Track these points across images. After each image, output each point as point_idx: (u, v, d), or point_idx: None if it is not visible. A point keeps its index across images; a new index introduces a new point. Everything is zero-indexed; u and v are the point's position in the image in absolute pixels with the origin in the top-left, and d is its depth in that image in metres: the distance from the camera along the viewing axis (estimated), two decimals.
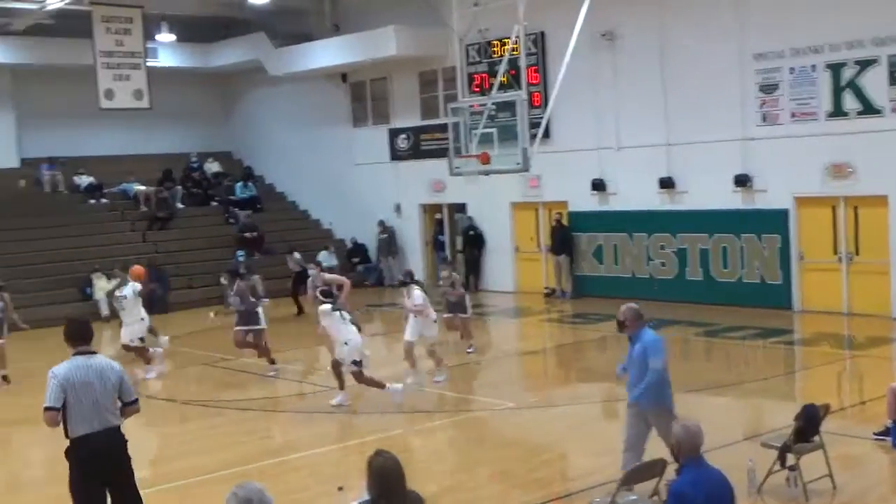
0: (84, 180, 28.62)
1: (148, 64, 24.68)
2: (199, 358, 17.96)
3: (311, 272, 16.25)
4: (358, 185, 28.59)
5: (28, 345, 17.67)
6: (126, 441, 7.22)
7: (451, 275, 17.17)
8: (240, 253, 26.30)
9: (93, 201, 28.35)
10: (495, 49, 23.08)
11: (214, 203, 29.99)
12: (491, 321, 21.96)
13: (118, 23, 23.37)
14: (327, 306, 13.29)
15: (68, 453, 7.07)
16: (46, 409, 6.91)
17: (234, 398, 14.39)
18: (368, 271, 28.00)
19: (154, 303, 21.30)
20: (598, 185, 22.93)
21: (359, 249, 28.42)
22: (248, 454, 11.26)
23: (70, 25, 24.79)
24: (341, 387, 13.42)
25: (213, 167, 31.27)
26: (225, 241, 27.89)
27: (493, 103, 19.12)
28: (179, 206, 29.17)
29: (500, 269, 25.38)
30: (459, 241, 26.38)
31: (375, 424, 12.43)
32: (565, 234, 23.51)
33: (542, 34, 23.15)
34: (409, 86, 27.16)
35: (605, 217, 22.94)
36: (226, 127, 32.92)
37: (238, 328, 16.18)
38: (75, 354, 7.12)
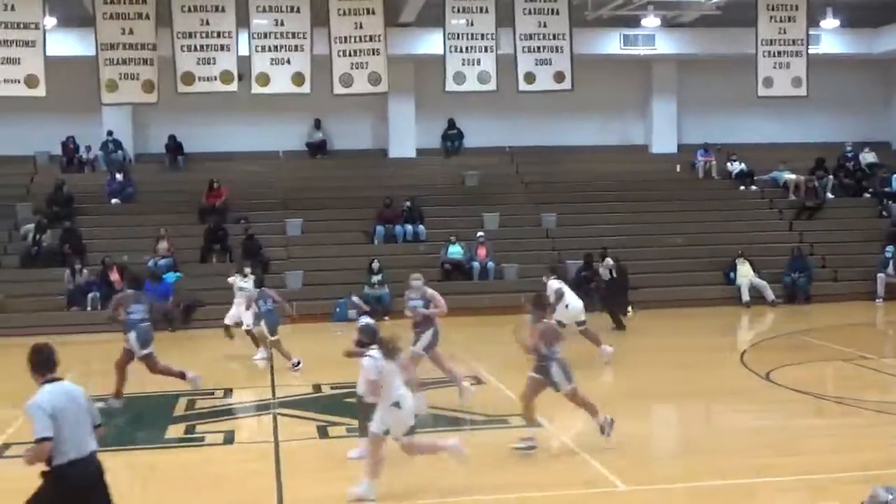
0: (735, 167, 29.21)
1: (809, 51, 24.31)
2: (836, 353, 17.49)
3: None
4: None
5: None
6: (103, 468, 7.04)
7: None
8: (889, 248, 25.10)
9: (742, 188, 28.84)
10: None
11: (867, 195, 28.80)
12: None
13: (783, 10, 23.27)
14: None
15: (47, 476, 6.86)
16: (41, 440, 6.68)
17: (875, 399, 13.77)
18: None
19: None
20: None
21: None
22: (889, 459, 10.73)
23: (734, 15, 25.36)
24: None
25: (868, 157, 30.00)
26: (874, 234, 26.71)
27: None
28: (829, 196, 28.49)
29: None
30: None
31: None
32: None
33: None
34: None
35: None
36: (885, 116, 31.28)
37: None
38: (45, 382, 6.91)
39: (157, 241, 24.11)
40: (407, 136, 29.11)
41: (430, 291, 13.59)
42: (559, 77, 22.68)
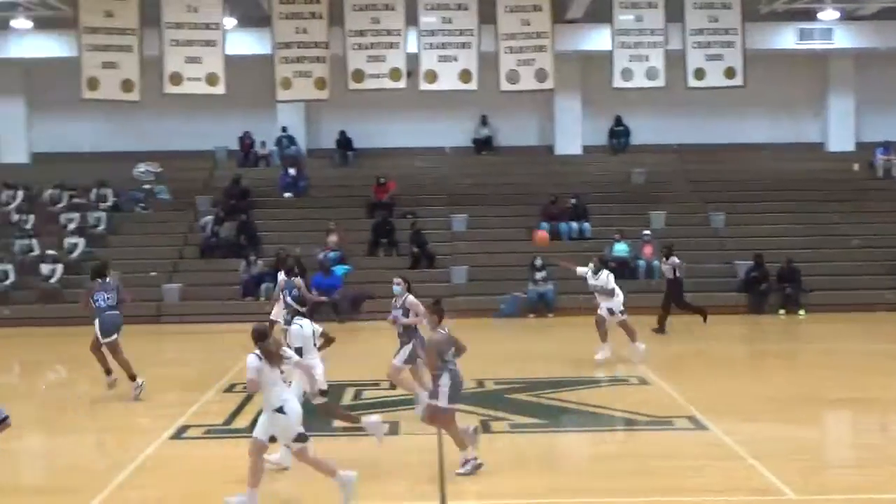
0: None
1: None
2: None
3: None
4: None
5: None
6: None
7: None
8: None
9: None
10: None
11: None
12: None
13: None
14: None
15: None
16: None
17: None
18: None
19: None
20: None
21: None
22: None
23: None
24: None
25: None
26: None
27: None
28: None
29: None
30: None
31: None
32: None
33: None
34: None
35: None
36: None
37: None
38: None
39: (326, 234, 24.78)
40: (573, 133, 29.00)
41: (409, 299, 12.59)
42: (730, 73, 22.20)
